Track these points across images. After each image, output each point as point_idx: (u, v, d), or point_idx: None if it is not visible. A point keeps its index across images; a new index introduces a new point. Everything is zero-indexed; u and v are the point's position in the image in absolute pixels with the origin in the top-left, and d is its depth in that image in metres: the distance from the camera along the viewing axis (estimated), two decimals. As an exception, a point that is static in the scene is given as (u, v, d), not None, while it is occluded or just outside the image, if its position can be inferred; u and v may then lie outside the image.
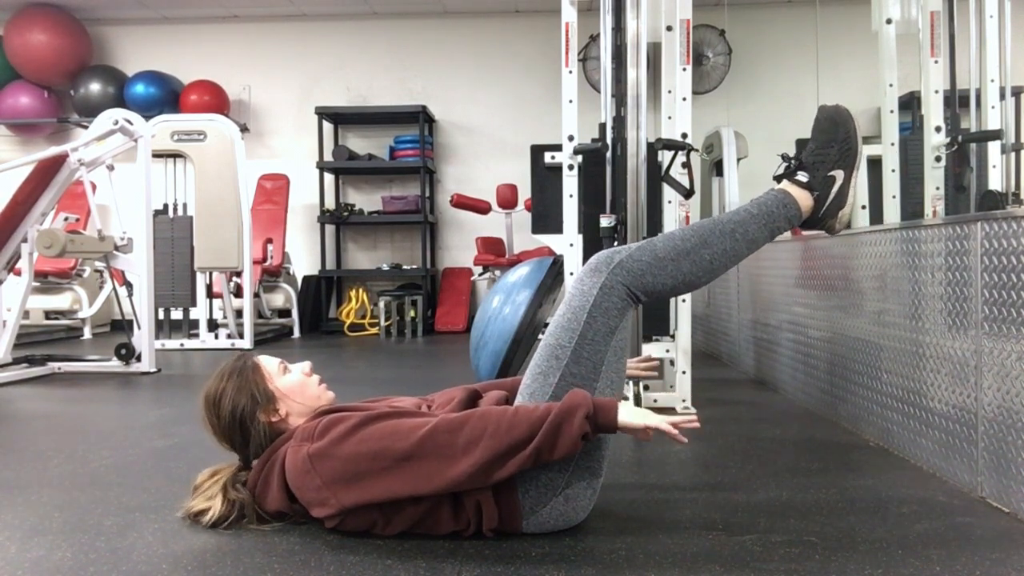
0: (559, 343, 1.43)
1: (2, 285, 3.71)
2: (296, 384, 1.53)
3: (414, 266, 6.37)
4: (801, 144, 4.33)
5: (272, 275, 5.83)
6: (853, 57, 5.68)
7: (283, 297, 5.92)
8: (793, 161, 1.65)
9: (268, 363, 1.54)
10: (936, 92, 3.02)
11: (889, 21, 3.26)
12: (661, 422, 1.33)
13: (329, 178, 6.49)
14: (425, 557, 1.32)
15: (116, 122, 3.68)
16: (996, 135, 3.21)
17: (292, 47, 6.69)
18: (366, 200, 6.62)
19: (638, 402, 2.36)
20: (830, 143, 1.64)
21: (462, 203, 5.72)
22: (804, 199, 1.61)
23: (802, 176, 1.62)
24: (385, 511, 1.38)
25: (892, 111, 3.25)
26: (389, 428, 1.35)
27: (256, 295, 5.42)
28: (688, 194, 2.34)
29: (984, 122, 3.21)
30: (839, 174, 1.61)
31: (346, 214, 6.27)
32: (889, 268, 2.05)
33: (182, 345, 4.99)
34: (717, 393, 3.04)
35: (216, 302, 5.27)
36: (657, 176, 2.61)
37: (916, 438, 1.90)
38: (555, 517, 1.40)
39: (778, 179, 1.66)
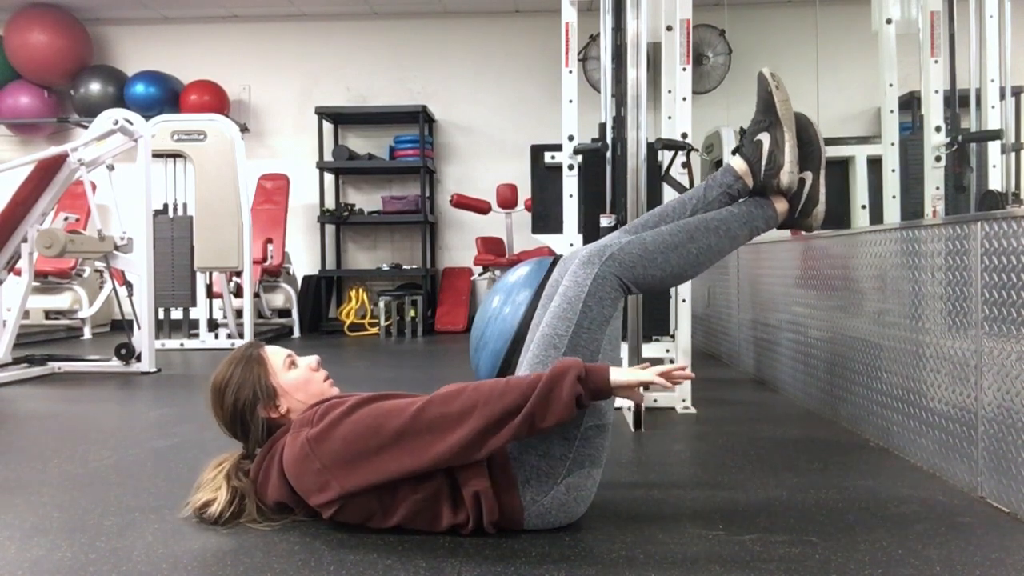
0: (556, 333, 1.46)
1: (2, 285, 3.71)
2: (300, 380, 1.53)
3: (414, 266, 6.37)
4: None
5: (272, 275, 5.82)
6: (853, 57, 5.68)
7: (283, 297, 5.92)
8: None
9: (275, 356, 1.55)
10: (936, 92, 3.02)
11: (889, 21, 3.27)
12: (653, 376, 1.36)
13: (329, 178, 6.49)
14: (425, 556, 1.32)
15: (116, 122, 3.67)
16: (996, 135, 3.22)
17: (292, 47, 6.69)
18: (366, 200, 6.62)
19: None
20: (807, 144, 1.73)
21: (462, 203, 5.72)
22: (779, 202, 1.72)
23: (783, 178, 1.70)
24: (383, 499, 1.38)
25: (892, 111, 3.25)
26: (385, 407, 1.37)
27: (256, 295, 5.42)
28: (688, 194, 2.34)
29: (984, 122, 3.21)
30: (808, 176, 1.70)
31: (346, 214, 6.27)
32: (889, 268, 2.05)
33: (182, 345, 4.99)
34: (717, 393, 3.04)
35: (216, 302, 5.27)
36: (657, 176, 2.61)
37: (916, 438, 1.90)
38: (556, 508, 1.41)
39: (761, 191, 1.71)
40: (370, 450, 1.34)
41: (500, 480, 1.37)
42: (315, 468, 1.36)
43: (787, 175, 1.65)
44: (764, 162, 1.67)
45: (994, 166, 3.39)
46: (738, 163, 1.71)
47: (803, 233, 2.90)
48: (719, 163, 5.07)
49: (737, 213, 1.68)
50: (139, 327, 3.76)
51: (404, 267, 6.30)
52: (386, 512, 1.39)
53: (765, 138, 1.69)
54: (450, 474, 1.37)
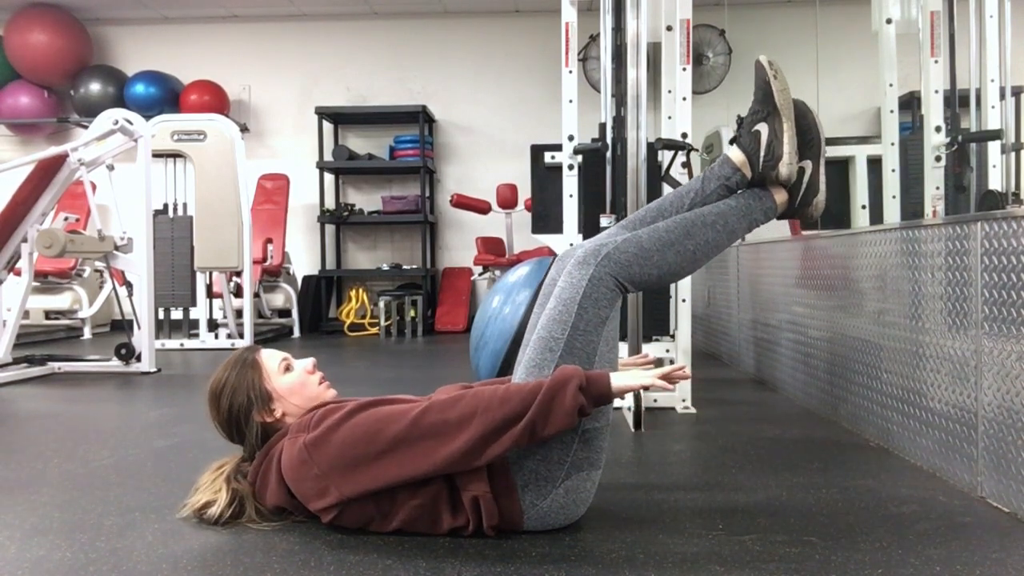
0: (552, 335, 1.44)
1: (2, 285, 3.71)
2: (295, 384, 1.52)
3: (414, 266, 6.37)
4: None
5: (272, 275, 5.83)
6: (853, 57, 5.68)
7: (283, 297, 5.92)
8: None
9: (270, 360, 1.54)
10: (936, 92, 3.02)
11: (889, 21, 3.27)
12: (653, 378, 1.35)
13: (329, 178, 6.49)
14: (425, 557, 1.32)
15: (116, 122, 3.67)
16: (996, 135, 3.22)
17: (292, 47, 6.69)
18: (366, 200, 6.62)
19: (638, 401, 2.36)
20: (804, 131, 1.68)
21: (462, 203, 5.72)
22: (779, 193, 1.66)
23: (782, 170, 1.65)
24: (381, 505, 1.38)
25: (892, 111, 3.25)
26: (383, 413, 1.36)
27: (256, 295, 5.42)
28: (688, 194, 2.34)
29: (984, 122, 3.21)
30: (807, 165, 1.64)
31: (346, 214, 6.27)
32: (889, 268, 2.05)
33: (182, 345, 4.99)
34: (717, 393, 3.04)
35: (216, 302, 5.27)
36: (657, 176, 2.61)
37: (916, 438, 1.90)
38: (556, 511, 1.41)
39: (759, 180, 1.67)
40: (368, 456, 1.33)
41: (499, 485, 1.37)
42: (313, 474, 1.36)
43: (786, 166, 1.60)
44: (762, 153, 1.62)
45: (994, 166, 3.39)
46: (735, 154, 1.66)
47: (802, 232, 2.91)
48: (719, 163, 5.07)
49: (735, 206, 1.63)
50: (139, 327, 3.76)
51: (404, 267, 6.30)
52: (385, 517, 1.39)
53: (763, 128, 1.64)
54: (449, 479, 1.37)
